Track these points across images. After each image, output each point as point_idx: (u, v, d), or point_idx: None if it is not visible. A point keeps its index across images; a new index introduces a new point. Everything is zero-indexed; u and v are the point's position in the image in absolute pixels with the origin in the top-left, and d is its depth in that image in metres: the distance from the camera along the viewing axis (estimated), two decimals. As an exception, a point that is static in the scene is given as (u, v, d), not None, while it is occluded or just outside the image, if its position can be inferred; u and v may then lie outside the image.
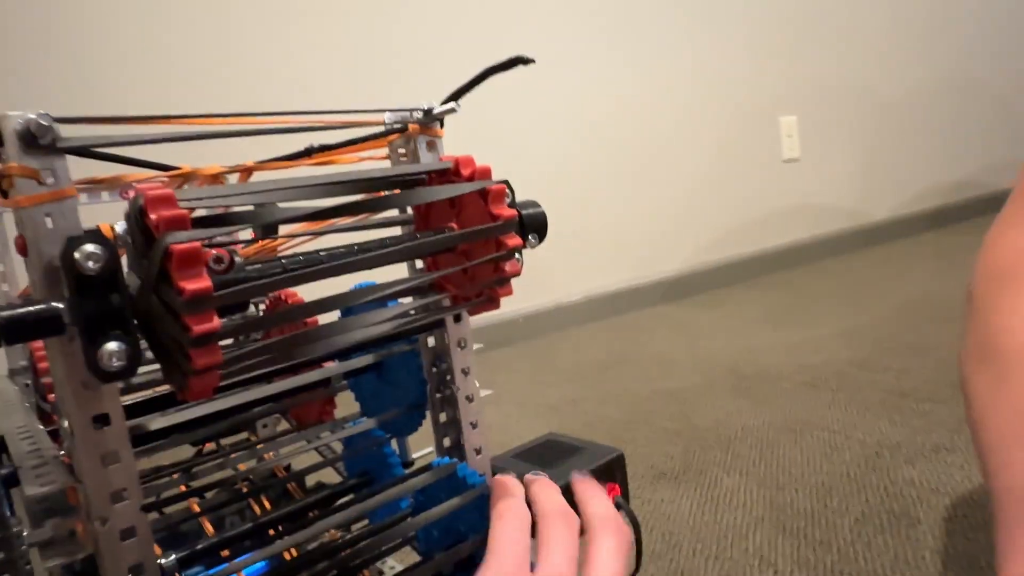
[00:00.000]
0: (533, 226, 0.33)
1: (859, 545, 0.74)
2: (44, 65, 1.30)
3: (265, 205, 0.25)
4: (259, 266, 0.25)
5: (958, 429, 0.97)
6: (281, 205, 0.26)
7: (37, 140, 0.24)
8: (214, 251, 0.23)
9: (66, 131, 0.27)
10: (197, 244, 0.21)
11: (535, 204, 0.33)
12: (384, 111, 0.33)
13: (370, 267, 0.26)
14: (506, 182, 0.31)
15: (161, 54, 1.40)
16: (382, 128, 0.34)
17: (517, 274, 0.30)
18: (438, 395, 0.40)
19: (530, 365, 1.58)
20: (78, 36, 1.33)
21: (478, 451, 0.39)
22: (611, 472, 0.44)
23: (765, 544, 0.77)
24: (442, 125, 0.36)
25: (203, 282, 0.21)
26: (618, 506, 0.45)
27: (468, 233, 0.28)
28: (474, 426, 0.39)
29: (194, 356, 0.21)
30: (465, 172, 0.30)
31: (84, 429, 0.25)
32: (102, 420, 0.25)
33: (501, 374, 1.55)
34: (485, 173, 0.30)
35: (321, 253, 0.26)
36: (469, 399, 0.38)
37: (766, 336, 1.55)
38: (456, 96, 0.33)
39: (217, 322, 0.21)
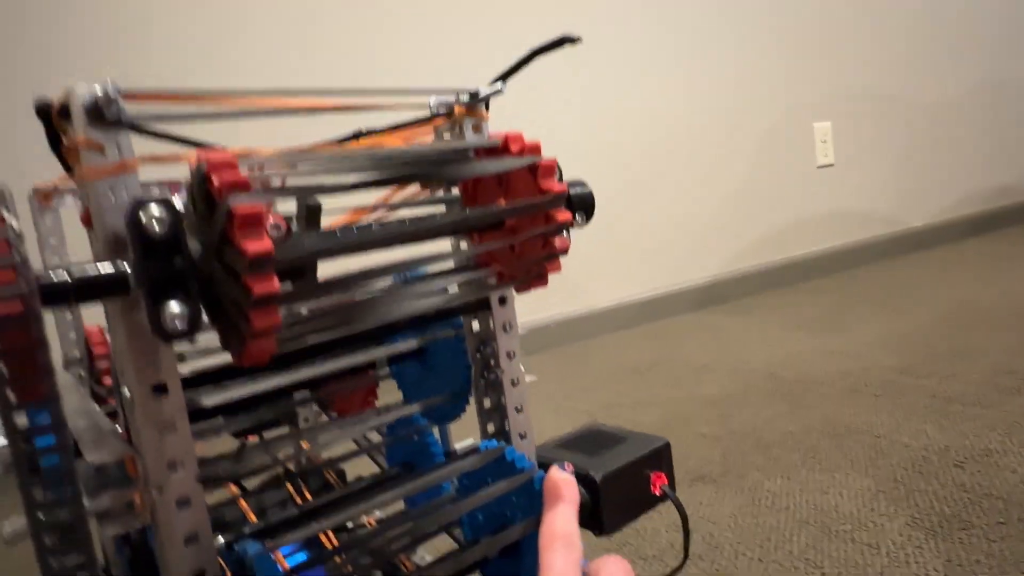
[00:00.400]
0: (581, 205, 0.32)
1: (910, 548, 0.71)
2: (97, 46, 1.33)
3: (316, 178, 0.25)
4: (315, 236, 0.25)
5: (1009, 433, 0.93)
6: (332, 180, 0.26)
7: (103, 113, 0.25)
8: (272, 219, 0.23)
9: (127, 110, 0.27)
10: (259, 206, 0.21)
11: (582, 183, 0.33)
12: (430, 92, 0.32)
13: (421, 238, 0.26)
14: (554, 160, 0.31)
15: (205, 38, 1.41)
16: (428, 112, 0.34)
17: (566, 250, 0.30)
18: (483, 380, 0.40)
19: (563, 371, 1.57)
20: (124, 21, 1.36)
21: (523, 436, 0.38)
22: (657, 461, 0.43)
23: (811, 547, 0.75)
24: (487, 108, 0.35)
25: (265, 244, 0.21)
26: (665, 495, 0.44)
27: (520, 206, 0.28)
28: (519, 410, 0.38)
29: (254, 318, 0.21)
30: (514, 148, 0.29)
31: (143, 398, 0.25)
32: (161, 389, 0.25)
33: (534, 379, 1.54)
34: (535, 149, 0.30)
35: (374, 226, 0.26)
36: (514, 383, 0.38)
37: (803, 342, 1.51)
38: (503, 78, 0.33)
39: (277, 284, 0.21)
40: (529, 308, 1.74)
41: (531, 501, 0.35)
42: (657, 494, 0.43)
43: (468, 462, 0.35)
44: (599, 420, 1.25)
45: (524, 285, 0.31)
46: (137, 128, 0.26)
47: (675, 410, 1.22)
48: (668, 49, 1.90)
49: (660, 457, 0.43)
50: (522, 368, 0.39)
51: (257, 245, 0.20)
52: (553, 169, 0.29)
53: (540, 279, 0.30)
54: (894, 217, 2.32)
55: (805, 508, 0.84)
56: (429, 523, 0.35)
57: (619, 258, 1.87)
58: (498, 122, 0.35)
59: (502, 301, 0.37)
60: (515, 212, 0.28)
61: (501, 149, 0.30)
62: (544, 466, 0.40)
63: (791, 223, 2.14)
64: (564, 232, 0.30)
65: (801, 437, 1.04)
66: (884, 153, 2.29)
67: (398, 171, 0.24)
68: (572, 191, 0.32)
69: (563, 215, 0.29)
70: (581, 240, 1.86)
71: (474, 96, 0.34)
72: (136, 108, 0.28)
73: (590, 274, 1.82)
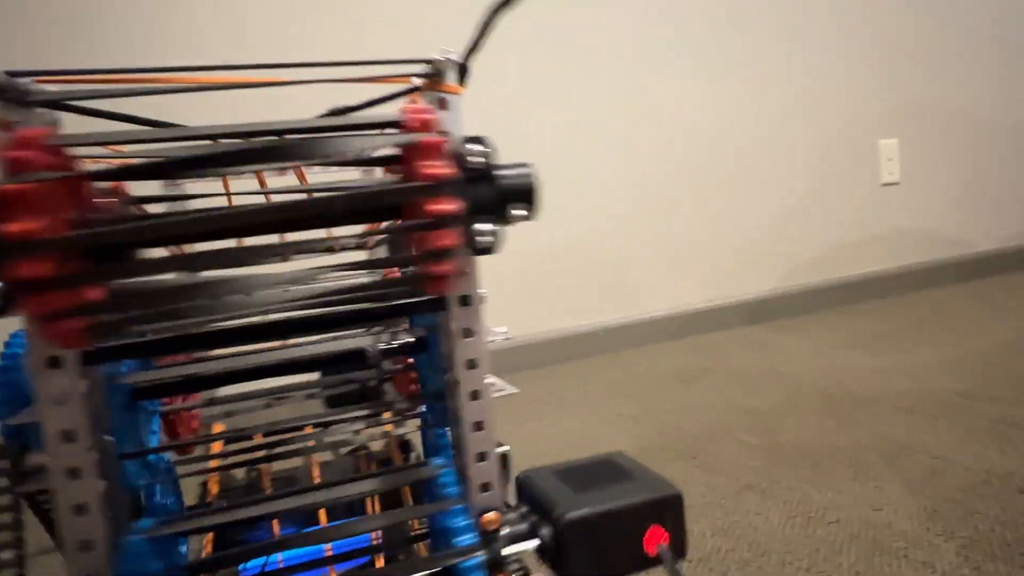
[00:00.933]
0: (515, 194, 0.25)
1: (967, 569, 0.56)
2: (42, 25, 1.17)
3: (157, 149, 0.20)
4: (133, 220, 0.20)
5: (1087, 457, 0.75)
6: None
7: (5, 93, 0.21)
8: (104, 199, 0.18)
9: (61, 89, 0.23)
10: (29, 185, 0.16)
11: (523, 166, 0.25)
12: (380, 63, 0.27)
13: (260, 224, 0.20)
14: (479, 139, 0.24)
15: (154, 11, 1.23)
16: (396, 87, 0.29)
17: (449, 248, 0.22)
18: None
19: (608, 376, 1.46)
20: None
21: (481, 457, 0.30)
22: (660, 513, 0.31)
23: (861, 561, 0.62)
24: (463, 82, 0.29)
25: (24, 225, 0.16)
26: (660, 559, 0.32)
27: (364, 194, 0.21)
28: (478, 427, 0.30)
29: (21, 301, 0.16)
30: (410, 124, 0.23)
31: (38, 368, 0.21)
32: (54, 363, 0.21)
33: (579, 383, 1.43)
34: (426, 124, 0.22)
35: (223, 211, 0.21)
36: (474, 396, 0.30)
37: (856, 361, 1.33)
38: (470, 49, 0.27)
39: (41, 268, 0.16)
40: (578, 314, 1.64)
41: (452, 532, 0.27)
42: (651, 554, 0.31)
43: (391, 479, 0.28)
44: (641, 423, 1.12)
45: (419, 285, 0.23)
46: (49, 105, 0.22)
47: (719, 419, 1.09)
48: (727, 57, 1.70)
49: (664, 508, 0.31)
50: (489, 379, 0.31)
51: (14, 226, 0.16)
52: (434, 150, 0.22)
53: (433, 281, 0.23)
54: (961, 239, 2.01)
55: (856, 523, 0.70)
56: (332, 537, 0.28)
57: (670, 267, 1.69)
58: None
59: (464, 301, 0.30)
60: (362, 201, 0.21)
61: (401, 125, 0.23)
62: (525, 488, 0.31)
63: (852, 241, 1.89)
64: (465, 227, 0.22)
65: (852, 453, 0.88)
66: (953, 172, 1.93)
67: (239, 147, 0.19)
68: (503, 175, 0.24)
69: (439, 206, 0.22)
70: (635, 248, 1.70)
71: (429, 63, 0.28)
72: (75, 88, 0.24)
73: (640, 282, 1.67)
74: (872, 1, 1.87)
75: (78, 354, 0.21)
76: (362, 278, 0.28)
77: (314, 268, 0.21)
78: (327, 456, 0.57)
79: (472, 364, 0.29)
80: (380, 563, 0.38)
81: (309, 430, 0.40)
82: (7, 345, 0.28)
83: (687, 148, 1.69)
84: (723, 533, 0.73)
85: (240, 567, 0.36)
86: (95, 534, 0.21)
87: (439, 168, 0.21)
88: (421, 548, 0.40)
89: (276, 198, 0.20)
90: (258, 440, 0.40)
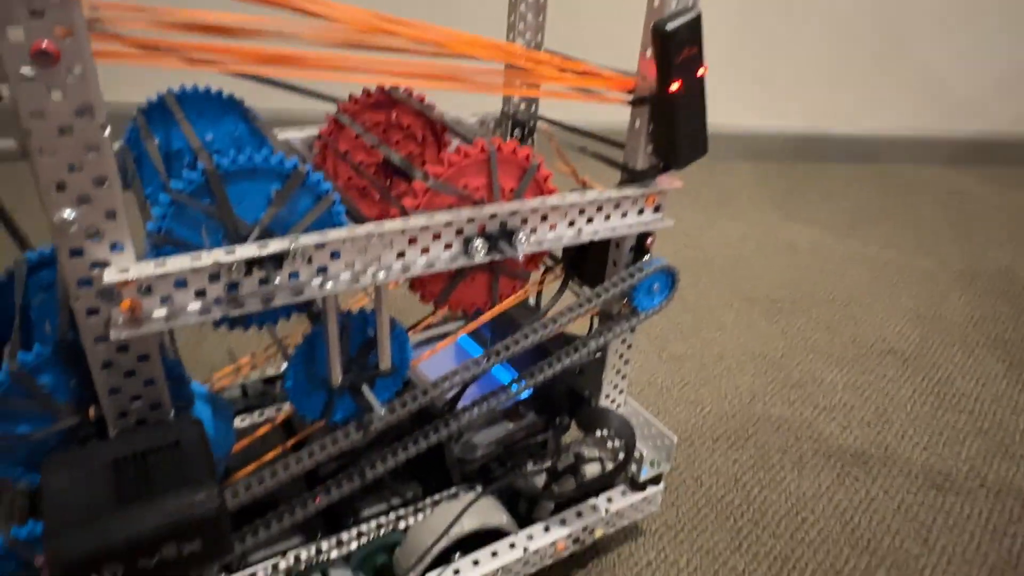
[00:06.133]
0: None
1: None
2: None
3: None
4: None
5: None
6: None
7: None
8: None
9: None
10: None
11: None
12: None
13: None
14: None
15: None
16: None
17: None
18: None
19: (782, 191, 1.45)
20: None
21: None
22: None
23: (980, 457, 0.73)
24: None
25: None
26: None
27: None
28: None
29: None
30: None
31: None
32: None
33: (746, 191, 1.45)
34: None
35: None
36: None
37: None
38: None
39: None
40: (762, 113, 1.59)
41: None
42: None
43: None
44: (802, 253, 1.18)
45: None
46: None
47: (884, 273, 1.13)
48: None
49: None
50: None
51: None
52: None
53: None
54: None
55: (988, 418, 0.80)
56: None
57: (878, 82, 1.56)
58: None
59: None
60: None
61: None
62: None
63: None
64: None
65: (1017, 350, 0.94)
66: None
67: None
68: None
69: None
70: (830, 46, 1.51)
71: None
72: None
73: (830, 90, 1.55)
74: None
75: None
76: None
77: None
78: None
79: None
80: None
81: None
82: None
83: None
84: (853, 389, 0.84)
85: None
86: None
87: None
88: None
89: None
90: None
